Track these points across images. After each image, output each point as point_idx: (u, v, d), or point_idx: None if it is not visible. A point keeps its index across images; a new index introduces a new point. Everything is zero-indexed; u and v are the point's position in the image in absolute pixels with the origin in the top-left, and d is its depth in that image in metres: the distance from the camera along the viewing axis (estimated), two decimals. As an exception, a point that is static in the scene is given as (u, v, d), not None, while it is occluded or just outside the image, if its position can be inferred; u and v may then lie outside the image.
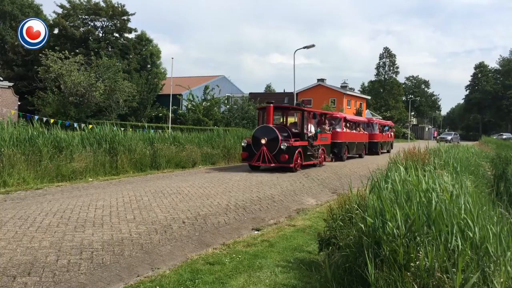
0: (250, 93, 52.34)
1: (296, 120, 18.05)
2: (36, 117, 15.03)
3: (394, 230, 3.43)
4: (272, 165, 13.50)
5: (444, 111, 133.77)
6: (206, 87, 37.86)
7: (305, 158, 14.58)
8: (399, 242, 3.29)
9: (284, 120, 16.67)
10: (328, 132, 17.31)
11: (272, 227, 6.92)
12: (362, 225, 3.83)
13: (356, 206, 4.55)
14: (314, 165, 15.49)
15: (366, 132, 23.58)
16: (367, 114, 59.26)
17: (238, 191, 9.75)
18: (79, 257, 4.91)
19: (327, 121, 18.30)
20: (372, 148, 24.07)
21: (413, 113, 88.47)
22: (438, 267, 2.95)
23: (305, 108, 15.47)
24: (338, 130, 19.23)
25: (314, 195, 10.27)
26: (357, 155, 21.70)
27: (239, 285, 4.34)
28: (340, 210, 5.00)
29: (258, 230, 6.72)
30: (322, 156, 16.19)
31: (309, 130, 15.32)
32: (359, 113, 51.45)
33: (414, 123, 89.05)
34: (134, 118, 37.63)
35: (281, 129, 14.62)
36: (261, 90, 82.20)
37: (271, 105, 14.46)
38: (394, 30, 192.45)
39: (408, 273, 3.00)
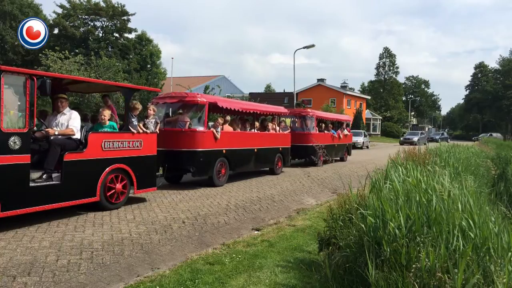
0: (250, 93, 52.37)
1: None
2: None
3: (396, 231, 3.42)
4: None
5: (444, 111, 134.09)
6: (206, 87, 37.81)
7: (20, 198, 5.83)
8: (400, 243, 3.28)
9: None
10: (151, 131, 8.27)
11: (272, 227, 6.91)
12: (363, 225, 3.82)
13: (356, 206, 4.54)
14: (103, 207, 7.20)
15: (287, 132, 14.83)
16: (367, 114, 59.25)
17: (238, 191, 9.74)
18: (79, 257, 4.91)
19: (151, 111, 8.87)
20: (305, 156, 16.37)
21: (413, 113, 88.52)
22: (439, 267, 2.95)
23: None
24: (200, 129, 10.24)
25: (314, 195, 10.27)
26: (267, 170, 13.68)
27: (239, 285, 4.33)
28: (340, 210, 4.99)
29: (258, 230, 6.71)
30: (120, 185, 7.39)
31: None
32: (359, 113, 51.28)
33: (414, 123, 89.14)
34: None
35: None
36: (262, 90, 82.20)
37: None
38: (395, 30, 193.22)
39: (410, 274, 2.99)
